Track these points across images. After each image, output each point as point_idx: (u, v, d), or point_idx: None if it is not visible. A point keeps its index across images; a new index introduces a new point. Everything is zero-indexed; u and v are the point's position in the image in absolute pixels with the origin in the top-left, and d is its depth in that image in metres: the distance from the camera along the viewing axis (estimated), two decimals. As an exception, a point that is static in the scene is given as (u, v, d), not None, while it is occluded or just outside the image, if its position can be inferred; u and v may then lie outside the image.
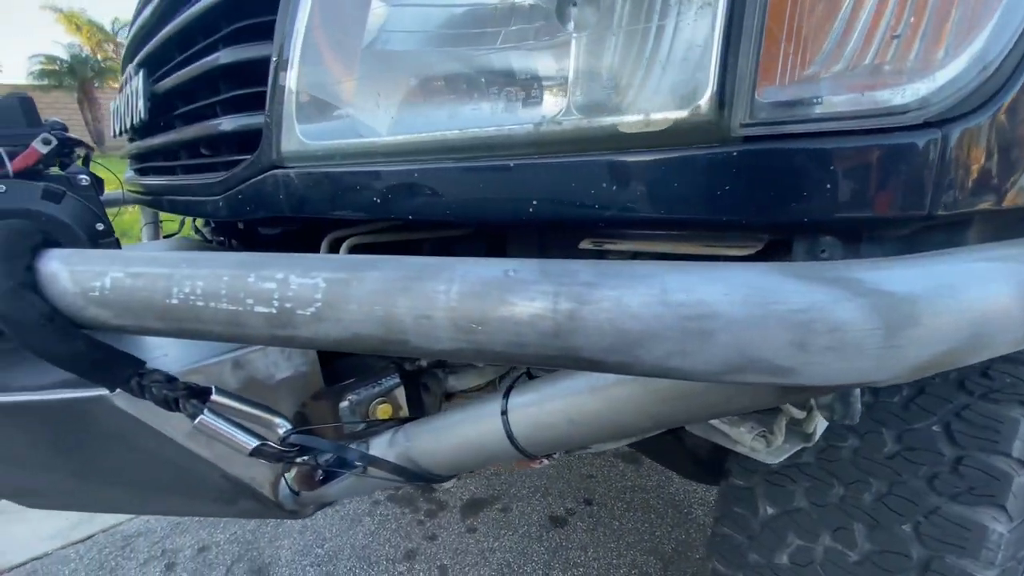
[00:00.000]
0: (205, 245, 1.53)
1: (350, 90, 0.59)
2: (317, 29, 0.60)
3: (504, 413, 0.48)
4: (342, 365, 0.84)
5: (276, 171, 0.67)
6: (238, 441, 0.48)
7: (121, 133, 1.19)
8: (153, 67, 0.95)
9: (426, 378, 0.89)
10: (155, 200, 1.07)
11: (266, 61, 0.69)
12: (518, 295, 0.29)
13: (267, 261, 0.35)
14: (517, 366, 0.83)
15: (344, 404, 0.81)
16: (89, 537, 2.02)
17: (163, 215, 1.92)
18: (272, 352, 0.73)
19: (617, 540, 1.90)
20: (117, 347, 0.43)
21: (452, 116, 0.51)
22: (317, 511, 0.83)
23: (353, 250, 0.74)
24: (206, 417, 0.46)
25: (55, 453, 0.67)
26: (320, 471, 0.59)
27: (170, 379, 0.45)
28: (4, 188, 0.75)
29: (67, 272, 0.39)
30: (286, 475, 0.58)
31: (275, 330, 0.34)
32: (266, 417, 0.54)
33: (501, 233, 0.84)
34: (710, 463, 1.36)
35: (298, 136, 0.63)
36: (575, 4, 0.43)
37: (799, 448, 0.63)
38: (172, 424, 0.64)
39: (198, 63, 0.76)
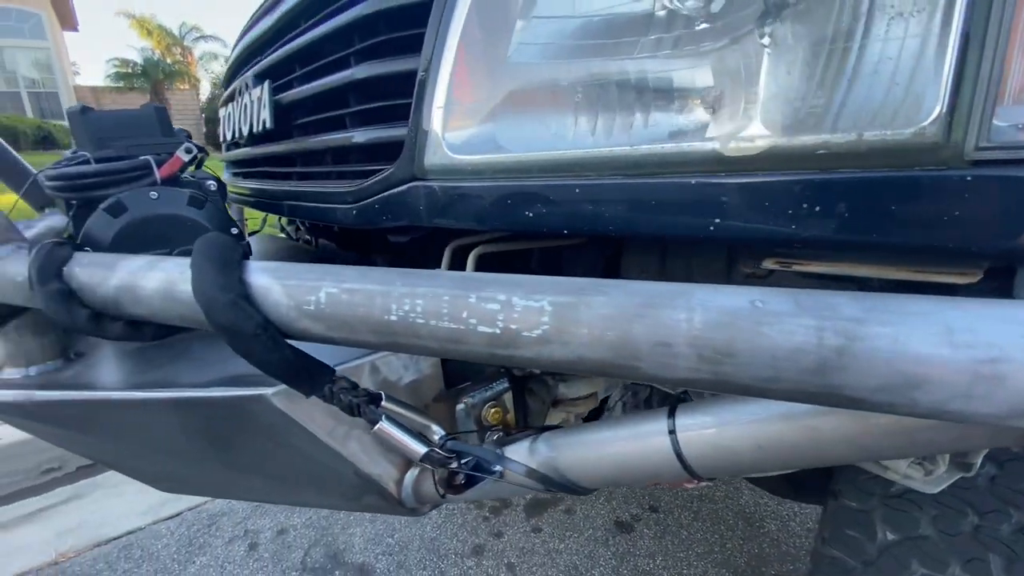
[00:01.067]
0: (292, 243, 1.60)
1: (504, 105, 0.60)
2: (469, 42, 0.61)
3: (672, 432, 0.47)
4: (453, 368, 0.85)
5: (417, 183, 0.69)
6: (410, 447, 0.50)
7: (233, 139, 1.25)
8: (277, 77, 0.99)
9: (533, 384, 0.90)
10: (268, 204, 1.12)
11: (404, 75, 0.71)
12: (773, 327, 0.29)
13: (486, 282, 0.36)
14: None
15: (460, 407, 0.83)
16: (178, 514, 2.16)
17: (247, 212, 2.02)
18: (402, 356, 0.75)
19: (686, 550, 1.86)
20: (313, 356, 0.45)
21: (622, 131, 0.50)
22: (431, 510, 0.85)
23: (480, 259, 0.75)
24: (384, 424, 0.48)
25: (209, 444, 0.72)
26: (461, 475, 0.60)
27: (354, 386, 0.47)
28: (156, 195, 0.81)
29: (279, 286, 0.42)
30: (436, 478, 0.60)
31: (496, 349, 0.35)
32: (422, 422, 0.56)
33: (618, 243, 0.84)
34: (797, 479, 1.31)
35: (445, 151, 0.64)
36: (775, 13, 0.42)
37: (957, 478, 0.59)
38: (318, 422, 0.67)
39: (335, 76, 0.79)
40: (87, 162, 0.87)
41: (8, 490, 2.38)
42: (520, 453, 0.61)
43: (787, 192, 0.41)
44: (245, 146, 1.21)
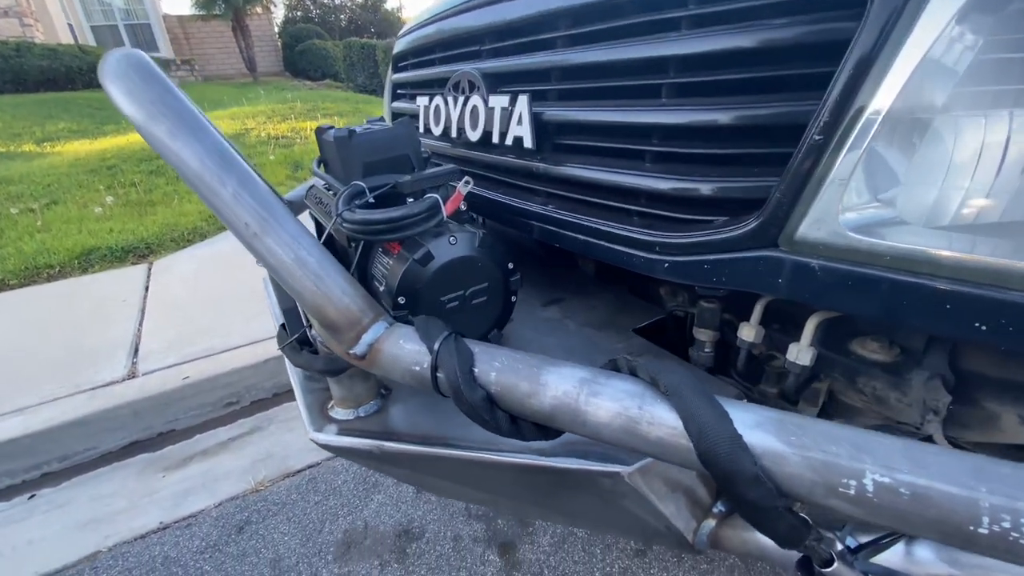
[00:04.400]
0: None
1: (967, 189, 0.50)
2: (910, 97, 0.51)
3: None
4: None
5: (779, 253, 0.62)
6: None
7: (446, 135, 1.21)
8: (539, 88, 0.91)
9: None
10: (497, 215, 1.09)
11: (763, 127, 0.62)
12: None
13: None
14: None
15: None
16: (347, 454, 2.42)
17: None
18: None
19: None
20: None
21: None
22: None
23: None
24: (838, 564, 0.47)
25: (537, 493, 0.75)
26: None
27: (816, 532, 0.45)
28: (455, 240, 0.80)
29: (797, 456, 0.39)
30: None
31: None
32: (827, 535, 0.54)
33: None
34: None
35: (839, 228, 0.56)
36: None
37: None
38: (656, 493, 0.68)
39: (694, 112, 0.69)
40: (364, 192, 0.87)
41: (200, 420, 2.76)
42: (895, 560, 0.59)
43: None
44: (463, 147, 1.16)
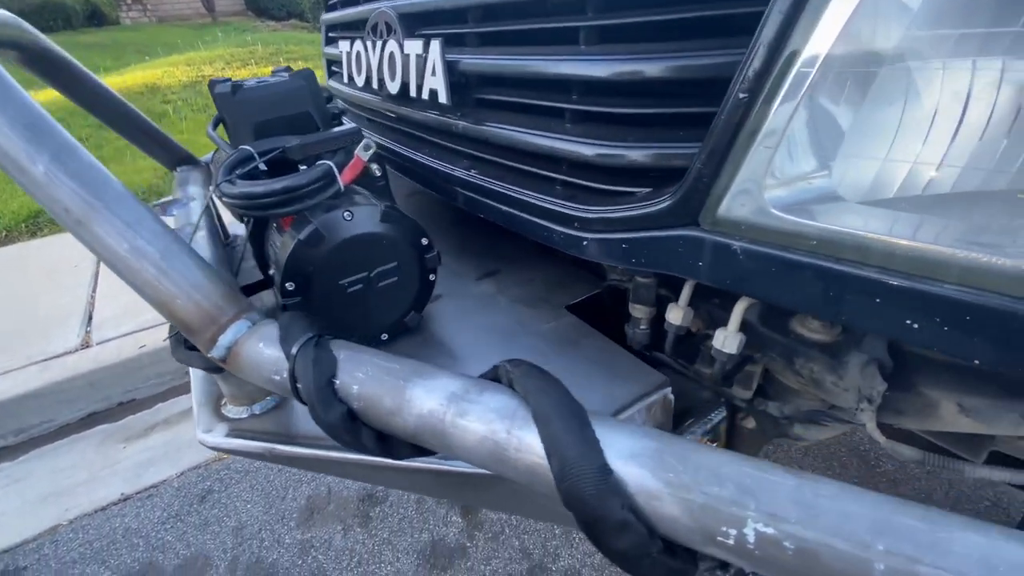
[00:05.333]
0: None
1: (913, 158, 0.42)
2: (851, 44, 0.41)
3: None
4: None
5: (699, 233, 0.54)
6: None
7: (368, 86, 1.07)
8: (451, 33, 0.79)
9: (755, 415, 0.81)
10: (419, 176, 0.98)
11: (681, 80, 0.52)
12: None
13: None
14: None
15: (681, 443, 0.76)
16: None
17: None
18: (641, 411, 0.67)
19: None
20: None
21: None
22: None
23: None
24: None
25: (448, 489, 0.70)
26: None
27: (709, 561, 0.40)
28: (351, 215, 0.70)
29: (671, 496, 0.32)
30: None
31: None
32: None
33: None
34: None
35: (765, 206, 0.48)
36: None
37: None
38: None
39: (600, 63, 0.58)
40: (251, 157, 0.76)
41: (161, 389, 2.69)
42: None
43: None
44: (388, 101, 1.03)
